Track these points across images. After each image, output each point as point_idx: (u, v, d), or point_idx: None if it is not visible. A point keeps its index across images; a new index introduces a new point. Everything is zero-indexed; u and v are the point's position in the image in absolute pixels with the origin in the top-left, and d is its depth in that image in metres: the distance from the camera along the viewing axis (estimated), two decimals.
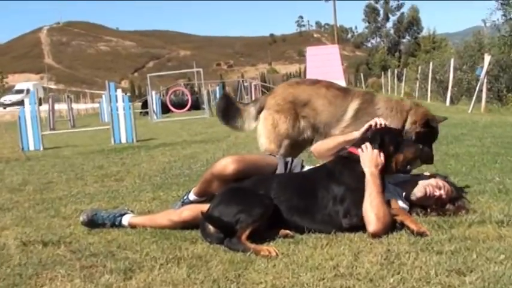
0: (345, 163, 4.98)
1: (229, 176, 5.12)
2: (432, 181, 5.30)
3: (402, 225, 4.65)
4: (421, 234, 4.43)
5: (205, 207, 4.84)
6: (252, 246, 4.32)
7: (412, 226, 4.53)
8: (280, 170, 5.38)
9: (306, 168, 5.49)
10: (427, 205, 5.20)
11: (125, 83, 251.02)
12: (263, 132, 6.41)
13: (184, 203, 5.59)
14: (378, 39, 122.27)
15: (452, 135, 11.51)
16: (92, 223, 5.37)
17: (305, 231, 4.69)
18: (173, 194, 6.97)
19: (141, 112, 39.26)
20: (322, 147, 5.60)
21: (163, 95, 43.38)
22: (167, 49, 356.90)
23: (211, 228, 4.62)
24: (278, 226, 4.70)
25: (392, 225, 4.64)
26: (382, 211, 4.57)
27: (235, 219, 4.47)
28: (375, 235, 4.49)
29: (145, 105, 37.24)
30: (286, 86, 6.71)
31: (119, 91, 17.12)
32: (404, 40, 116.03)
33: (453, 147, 9.69)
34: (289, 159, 5.59)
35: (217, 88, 45.17)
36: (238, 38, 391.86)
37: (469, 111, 21.68)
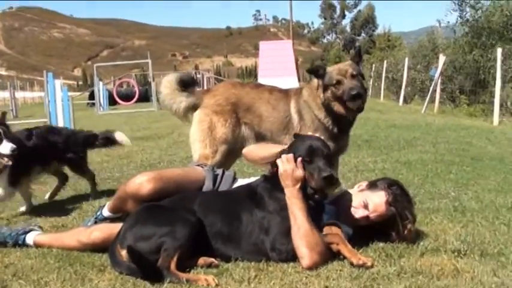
0: (269, 185, 4.26)
1: (145, 196, 4.39)
2: (356, 197, 4.56)
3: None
4: (361, 266, 3.79)
5: (117, 227, 4.17)
6: (185, 275, 3.69)
7: (350, 257, 3.87)
8: (207, 186, 4.67)
9: (239, 182, 4.80)
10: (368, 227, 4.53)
11: (77, 71, 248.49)
12: (198, 136, 5.70)
13: (97, 220, 4.90)
14: (334, 36, 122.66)
15: (405, 140, 11.02)
16: None
17: (232, 259, 4.03)
18: (95, 203, 6.27)
19: (88, 103, 38.25)
20: (255, 153, 4.84)
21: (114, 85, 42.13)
22: (122, 38, 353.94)
23: (122, 254, 3.91)
24: (200, 253, 4.02)
25: (332, 253, 3.98)
26: (314, 240, 3.90)
27: (157, 245, 3.80)
28: (311, 268, 3.83)
29: (92, 96, 36.06)
30: (229, 86, 5.95)
31: (58, 81, 16.17)
32: (359, 37, 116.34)
33: (405, 153, 9.19)
34: (219, 171, 4.87)
35: None
36: (194, 29, 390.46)
37: (423, 112, 21.38)
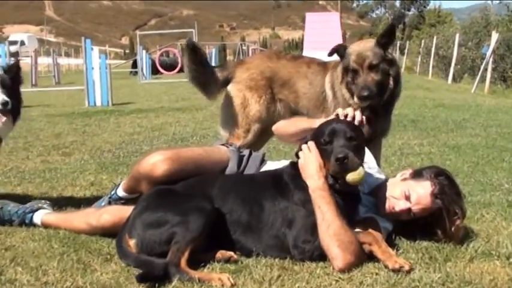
0: (295, 172, 3.74)
1: (160, 178, 3.90)
2: (398, 186, 3.99)
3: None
4: (398, 271, 3.25)
5: (129, 210, 3.73)
6: (197, 274, 3.23)
7: (385, 259, 3.34)
8: (231, 168, 4.17)
9: (267, 165, 4.28)
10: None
11: (125, 40, 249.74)
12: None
13: (111, 200, 4.44)
14: (383, 10, 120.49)
15: (454, 121, 10.37)
16: None
17: (253, 254, 3.56)
18: (117, 180, 5.80)
19: (131, 71, 38.04)
20: (284, 130, 4.32)
21: (163, 54, 41.48)
22: (170, 7, 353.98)
23: (130, 244, 3.48)
24: (218, 245, 3.56)
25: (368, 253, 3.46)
26: (347, 239, 3.38)
27: (168, 235, 3.36)
28: (344, 270, 3.31)
29: (135, 64, 35.77)
30: (265, 58, 5.34)
31: (95, 48, 15.85)
32: (409, 12, 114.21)
33: (454, 137, 8.57)
34: (246, 152, 4.36)
35: (214, 50, 43.56)
36: (243, 0, 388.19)
37: (472, 91, 20.52)
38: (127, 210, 3.77)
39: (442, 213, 3.79)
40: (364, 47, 4.65)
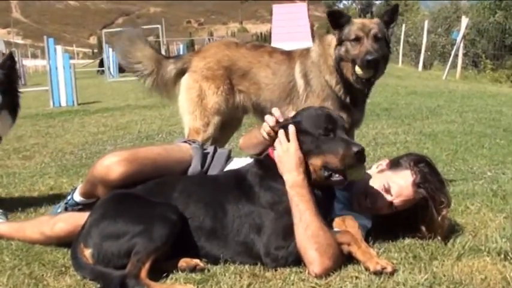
0: (260, 171, 3.41)
1: (116, 181, 3.52)
2: (375, 179, 3.70)
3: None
4: (380, 273, 2.94)
5: (84, 217, 3.38)
6: (159, 286, 2.95)
7: (365, 261, 3.03)
8: (194, 167, 3.81)
9: (234, 162, 3.95)
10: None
11: (93, 39, 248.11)
12: (186, 106, 4.88)
13: (68, 206, 4.07)
14: (350, 1, 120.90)
15: (428, 108, 10.14)
16: None
17: (220, 261, 3.23)
18: (78, 184, 5.45)
19: (98, 70, 37.60)
20: (249, 141, 3.92)
21: None
22: (137, 5, 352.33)
23: (86, 255, 3.14)
24: (181, 252, 3.22)
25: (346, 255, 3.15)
26: (326, 241, 3.05)
27: (128, 247, 3.02)
28: (322, 276, 2.99)
29: (103, 63, 35.28)
30: (222, 46, 5.04)
31: (59, 47, 15.41)
32: (376, 2, 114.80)
33: (429, 124, 8.34)
34: (210, 149, 4.01)
35: (182, 46, 43.17)
36: None
37: (444, 78, 20.38)
38: (83, 217, 3.42)
39: (427, 203, 3.53)
40: (370, 21, 4.45)
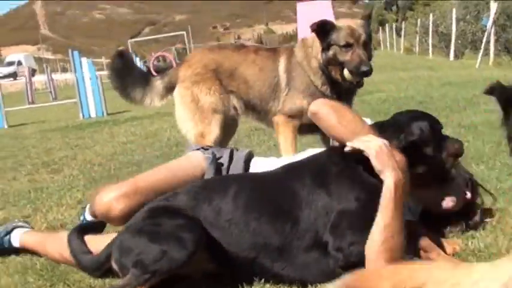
0: (351, 163, 2.97)
1: (118, 218, 3.32)
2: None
3: None
4: None
5: (100, 242, 3.21)
6: None
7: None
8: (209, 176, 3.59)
9: (259, 163, 3.69)
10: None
11: None
12: (184, 115, 4.80)
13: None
14: None
15: (464, 99, 9.64)
16: None
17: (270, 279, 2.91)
18: None
19: None
20: (336, 124, 3.10)
21: (159, 60, 40.95)
22: (163, 14, 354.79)
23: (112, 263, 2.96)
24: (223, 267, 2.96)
25: None
26: (399, 256, 2.66)
27: (136, 262, 2.78)
28: None
29: None
30: (206, 51, 5.06)
31: (84, 60, 15.44)
32: None
33: (468, 115, 7.88)
34: (225, 155, 3.74)
35: None
36: (234, 0, 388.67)
37: (477, 66, 19.84)
38: (99, 243, 3.22)
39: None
40: (356, 24, 4.36)
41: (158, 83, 4.97)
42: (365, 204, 2.79)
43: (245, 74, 4.74)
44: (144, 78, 5.03)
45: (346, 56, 4.24)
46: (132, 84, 5.00)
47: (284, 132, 4.57)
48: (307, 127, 4.47)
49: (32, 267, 3.56)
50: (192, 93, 4.75)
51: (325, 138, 4.45)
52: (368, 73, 4.23)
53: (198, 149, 3.80)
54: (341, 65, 4.29)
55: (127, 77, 5.03)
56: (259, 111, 4.80)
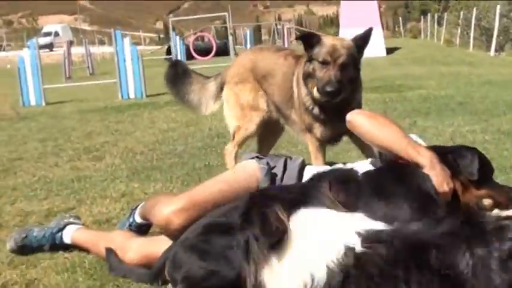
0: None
1: (176, 232, 3.32)
2: None
3: None
4: None
5: (158, 247, 3.31)
6: None
7: None
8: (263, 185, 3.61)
9: (311, 170, 3.63)
10: None
11: (159, 24, 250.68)
12: (227, 112, 5.14)
13: (131, 228, 3.97)
14: None
15: (504, 102, 9.38)
16: (25, 249, 3.94)
17: None
18: (149, 189, 5.48)
19: (165, 58, 37.69)
20: (375, 134, 3.35)
21: (197, 40, 40.51)
22: None
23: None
24: None
25: None
26: None
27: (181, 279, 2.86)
28: None
29: (170, 51, 35.29)
30: (248, 52, 5.60)
31: (126, 40, 15.48)
32: None
33: (508, 120, 7.69)
34: (279, 165, 3.72)
35: (248, 31, 42.52)
36: None
37: None
38: (154, 247, 3.37)
39: None
40: (341, 44, 4.31)
41: (211, 85, 5.27)
42: None
43: (274, 78, 4.87)
44: (199, 83, 5.31)
45: (320, 73, 4.23)
46: (189, 92, 5.29)
47: (313, 153, 4.58)
48: (329, 138, 4.56)
49: (80, 265, 3.65)
50: (234, 92, 5.03)
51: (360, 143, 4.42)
52: (331, 94, 4.17)
53: (253, 158, 3.82)
54: (316, 80, 4.31)
55: (183, 85, 5.30)
56: (283, 114, 4.90)
